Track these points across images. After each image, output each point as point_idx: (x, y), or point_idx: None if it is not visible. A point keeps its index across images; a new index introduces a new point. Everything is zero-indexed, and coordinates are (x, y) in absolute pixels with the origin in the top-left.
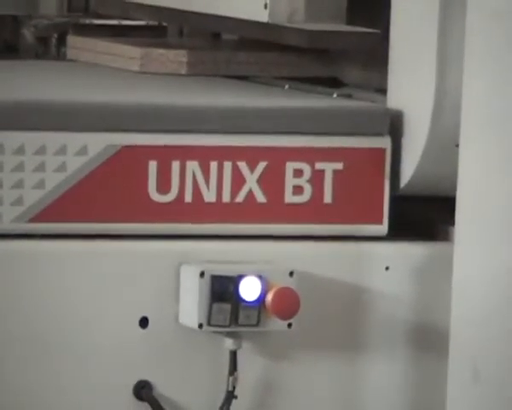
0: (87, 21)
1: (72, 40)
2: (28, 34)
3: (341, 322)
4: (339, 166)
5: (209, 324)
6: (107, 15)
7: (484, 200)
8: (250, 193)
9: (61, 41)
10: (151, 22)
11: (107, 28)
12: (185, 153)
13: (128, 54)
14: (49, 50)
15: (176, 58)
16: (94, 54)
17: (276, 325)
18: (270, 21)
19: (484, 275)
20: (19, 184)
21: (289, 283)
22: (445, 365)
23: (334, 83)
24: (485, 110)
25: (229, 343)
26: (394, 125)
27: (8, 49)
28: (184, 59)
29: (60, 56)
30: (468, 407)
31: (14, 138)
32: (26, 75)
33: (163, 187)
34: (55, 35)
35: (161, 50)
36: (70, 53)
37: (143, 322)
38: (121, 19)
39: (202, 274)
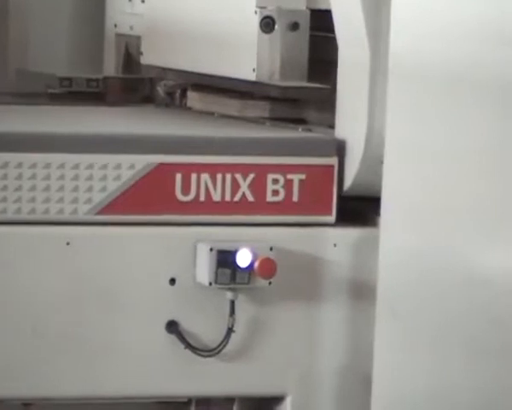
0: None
1: (191, 94)
2: (160, 90)
3: (305, 282)
4: (303, 176)
5: (216, 282)
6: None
7: (399, 198)
8: (243, 195)
9: (184, 94)
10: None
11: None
12: (200, 168)
13: (228, 103)
14: (175, 101)
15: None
16: (205, 104)
17: (261, 283)
18: (256, 80)
19: (400, 250)
20: (90, 188)
21: (270, 255)
22: (375, 309)
23: (300, 121)
24: (400, 139)
25: (229, 295)
26: (340, 149)
27: (146, 101)
28: (265, 109)
29: (182, 106)
30: (388, 338)
31: (96, 159)
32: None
33: (185, 191)
34: (179, 91)
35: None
36: (189, 103)
37: (172, 281)
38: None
39: (211, 249)
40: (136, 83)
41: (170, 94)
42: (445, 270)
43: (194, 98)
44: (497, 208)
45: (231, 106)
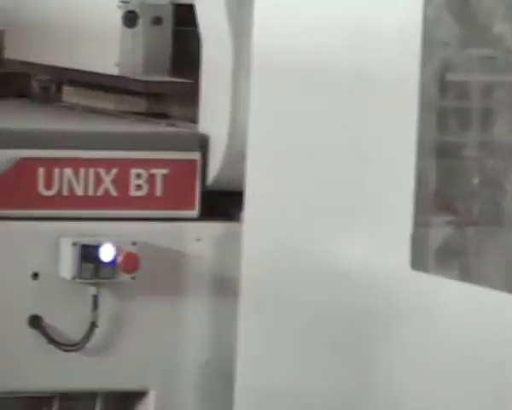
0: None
1: (66, 89)
2: (35, 85)
3: (168, 276)
4: (166, 171)
5: (79, 277)
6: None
7: (262, 192)
8: (107, 189)
9: (59, 89)
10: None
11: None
12: (63, 163)
13: (102, 98)
14: (50, 96)
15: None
16: (79, 98)
17: (124, 277)
18: (119, 74)
19: (263, 244)
20: None
21: (133, 249)
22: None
23: (164, 116)
24: (262, 133)
25: (92, 290)
26: (203, 144)
27: (22, 95)
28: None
29: (58, 100)
30: (251, 333)
31: None
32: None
33: (48, 185)
34: (54, 85)
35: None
36: (65, 97)
37: (35, 275)
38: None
39: (74, 244)
40: (11, 77)
41: (45, 89)
42: (307, 265)
43: (69, 93)
44: (357, 203)
45: (105, 100)
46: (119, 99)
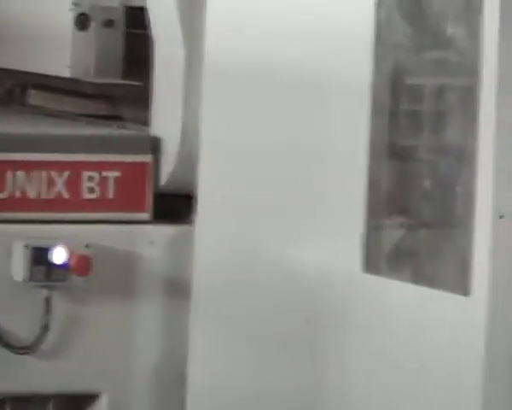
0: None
1: (31, 92)
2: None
3: (121, 279)
4: (118, 173)
5: (31, 279)
6: None
7: (214, 195)
8: (59, 192)
9: (24, 92)
10: None
11: None
12: (15, 165)
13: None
14: (15, 99)
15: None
16: (45, 101)
17: (77, 280)
18: (71, 77)
19: (216, 247)
20: None
21: (85, 252)
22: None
23: (116, 118)
24: (215, 136)
25: (44, 293)
26: (155, 147)
27: None
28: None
29: (22, 104)
30: (203, 336)
31: None
32: None
33: (0, 188)
34: (18, 89)
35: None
36: (31, 101)
37: None
38: None
39: (26, 246)
40: None
41: (9, 92)
42: (259, 267)
43: (34, 96)
44: (309, 206)
45: (63, 103)
46: (74, 102)
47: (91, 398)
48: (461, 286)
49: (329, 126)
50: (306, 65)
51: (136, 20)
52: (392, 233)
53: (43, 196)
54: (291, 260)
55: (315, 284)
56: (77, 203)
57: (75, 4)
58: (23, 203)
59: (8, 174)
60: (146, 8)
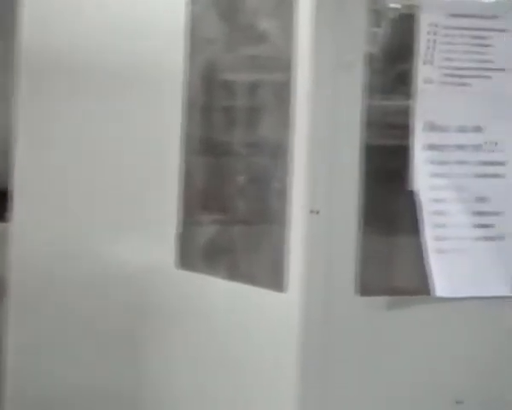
0: None
1: None
2: None
3: None
4: None
5: None
6: None
7: (30, 191)
8: None
9: None
10: None
11: None
12: None
13: None
14: None
15: None
16: None
17: None
18: None
19: (33, 245)
20: None
21: None
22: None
23: None
24: (29, 131)
25: None
26: None
27: None
28: None
29: None
30: (22, 335)
31: None
32: None
33: None
34: None
35: None
36: None
37: None
38: None
39: None
40: None
41: None
42: (76, 266)
43: None
44: (126, 203)
45: None
46: None
47: None
48: (276, 282)
49: (144, 123)
50: (123, 61)
51: None
52: (207, 230)
53: None
54: (108, 258)
55: (132, 282)
56: None
57: None
58: None
59: None
60: None
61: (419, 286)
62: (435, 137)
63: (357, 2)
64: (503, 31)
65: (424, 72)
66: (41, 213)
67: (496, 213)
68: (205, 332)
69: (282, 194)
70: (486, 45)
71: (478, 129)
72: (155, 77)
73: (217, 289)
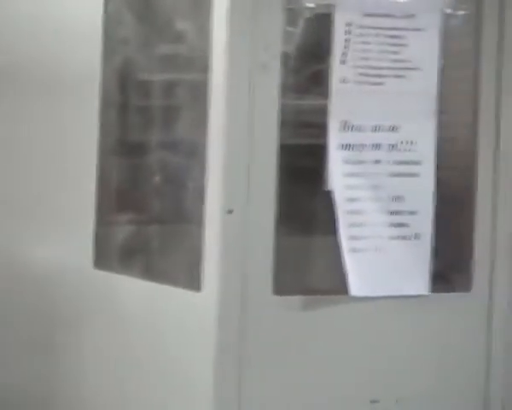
0: None
1: None
2: None
3: None
4: None
5: None
6: None
7: None
8: None
9: None
10: None
11: None
12: None
13: None
14: None
15: None
16: None
17: None
18: None
19: None
20: None
21: None
22: None
23: None
24: None
25: None
26: None
27: None
28: None
29: None
30: None
31: None
32: None
33: None
34: None
35: None
36: None
37: None
38: None
39: None
40: None
41: None
42: None
43: None
44: (44, 203)
45: None
46: None
47: None
48: (192, 282)
49: (61, 124)
50: (43, 62)
51: None
52: (124, 229)
53: None
54: (26, 258)
55: (50, 282)
56: None
57: None
58: None
59: None
60: None
61: (337, 286)
62: (351, 137)
63: (272, 1)
64: (418, 30)
65: (340, 71)
66: None
67: (411, 213)
68: (121, 332)
69: (199, 193)
70: (402, 45)
71: (393, 128)
72: (73, 77)
73: (133, 289)
